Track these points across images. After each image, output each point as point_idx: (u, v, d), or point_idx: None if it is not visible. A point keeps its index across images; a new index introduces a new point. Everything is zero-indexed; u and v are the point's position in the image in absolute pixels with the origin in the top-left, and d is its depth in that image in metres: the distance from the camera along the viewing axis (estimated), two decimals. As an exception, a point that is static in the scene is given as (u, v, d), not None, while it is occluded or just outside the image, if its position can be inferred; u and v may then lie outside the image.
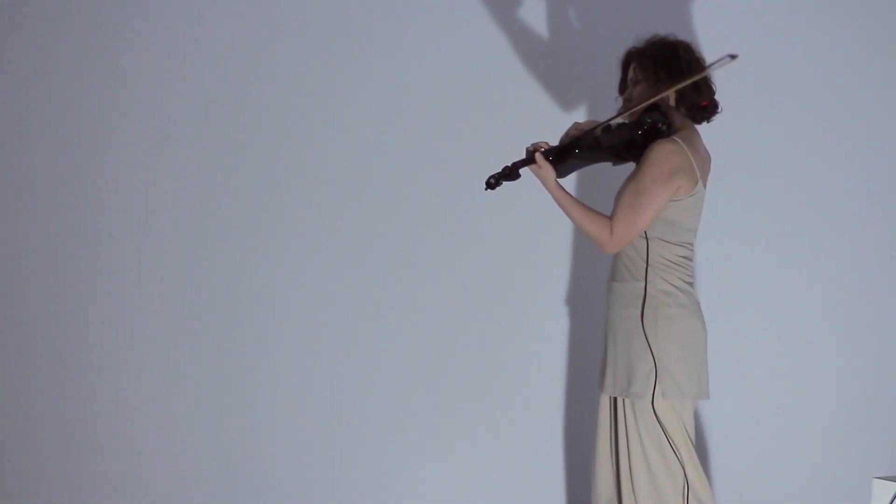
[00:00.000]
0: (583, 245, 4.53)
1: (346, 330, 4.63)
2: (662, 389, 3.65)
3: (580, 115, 4.47)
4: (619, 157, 3.72)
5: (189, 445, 4.68)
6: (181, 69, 4.65)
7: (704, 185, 3.69)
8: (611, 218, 3.64)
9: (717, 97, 3.78)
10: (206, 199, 4.66)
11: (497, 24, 4.54)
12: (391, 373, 4.61)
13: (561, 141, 3.80)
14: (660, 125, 3.62)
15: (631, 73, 3.78)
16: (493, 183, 3.70)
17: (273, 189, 4.65)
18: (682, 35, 3.80)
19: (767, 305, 4.46)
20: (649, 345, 3.65)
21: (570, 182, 4.25)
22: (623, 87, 3.83)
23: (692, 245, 3.73)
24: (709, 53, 3.81)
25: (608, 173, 4.00)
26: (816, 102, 4.44)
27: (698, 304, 3.74)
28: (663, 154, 3.60)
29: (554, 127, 4.04)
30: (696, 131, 3.74)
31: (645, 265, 3.68)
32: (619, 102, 3.86)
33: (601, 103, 4.36)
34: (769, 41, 4.44)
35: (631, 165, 3.76)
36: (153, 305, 4.69)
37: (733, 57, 3.50)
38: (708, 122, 3.81)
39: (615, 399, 3.77)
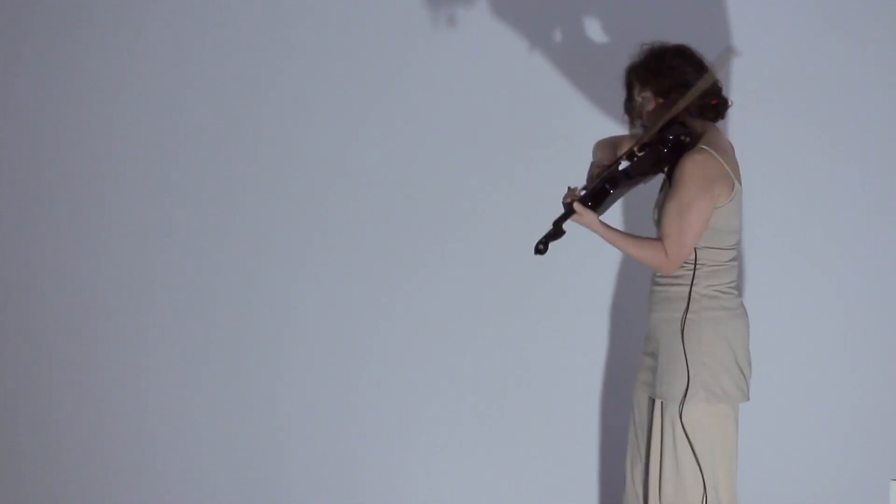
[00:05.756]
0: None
1: (370, 335, 4.62)
2: (699, 393, 3.65)
3: (606, 115, 4.46)
4: (648, 176, 3.73)
5: (205, 449, 4.68)
6: (198, 70, 4.67)
7: (741, 183, 3.70)
8: (661, 240, 3.63)
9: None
10: (222, 201, 4.67)
11: (517, 25, 4.53)
12: (424, 376, 4.60)
13: (589, 180, 3.81)
14: (682, 137, 3.62)
15: (636, 91, 3.75)
16: (542, 249, 3.69)
17: (292, 192, 4.64)
18: (679, 37, 3.79)
19: (784, 306, 4.45)
20: (687, 349, 3.65)
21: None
22: (629, 105, 3.79)
23: (737, 245, 3.74)
24: (709, 52, 3.78)
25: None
26: (818, 104, 4.42)
27: (743, 305, 3.74)
28: (697, 166, 3.60)
29: (578, 128, 4.07)
30: (715, 129, 3.73)
31: (692, 269, 3.67)
32: (626, 120, 3.84)
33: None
34: (779, 42, 4.43)
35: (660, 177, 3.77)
36: (168, 309, 4.70)
37: (732, 50, 3.51)
38: (721, 119, 3.79)
39: (652, 401, 3.77)
